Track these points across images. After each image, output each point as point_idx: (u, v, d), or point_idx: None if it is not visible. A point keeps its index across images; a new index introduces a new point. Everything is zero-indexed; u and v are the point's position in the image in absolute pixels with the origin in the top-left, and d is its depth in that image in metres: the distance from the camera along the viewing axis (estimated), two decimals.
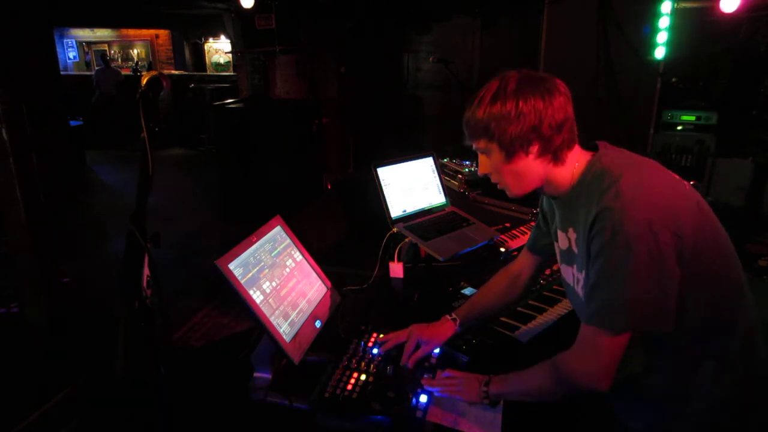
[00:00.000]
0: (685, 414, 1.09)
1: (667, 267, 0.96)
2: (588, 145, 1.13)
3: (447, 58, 3.92)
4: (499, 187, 1.18)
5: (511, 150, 1.08)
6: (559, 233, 1.20)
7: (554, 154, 1.08)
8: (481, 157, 1.16)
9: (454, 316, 1.42)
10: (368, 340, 1.42)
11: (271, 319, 1.24)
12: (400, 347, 1.37)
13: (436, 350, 1.39)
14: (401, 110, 6.83)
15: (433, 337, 1.36)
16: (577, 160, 1.10)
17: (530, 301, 1.65)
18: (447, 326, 1.40)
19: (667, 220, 0.96)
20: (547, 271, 1.79)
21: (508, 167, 1.11)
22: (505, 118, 1.05)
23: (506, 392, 1.19)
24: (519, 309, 1.60)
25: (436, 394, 1.24)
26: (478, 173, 1.20)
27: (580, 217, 1.06)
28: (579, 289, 1.13)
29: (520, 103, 1.04)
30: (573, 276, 1.15)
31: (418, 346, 1.35)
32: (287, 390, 1.25)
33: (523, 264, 1.45)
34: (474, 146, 1.16)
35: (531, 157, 1.08)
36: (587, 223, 1.02)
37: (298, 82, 5.86)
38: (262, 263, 1.32)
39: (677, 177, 1.08)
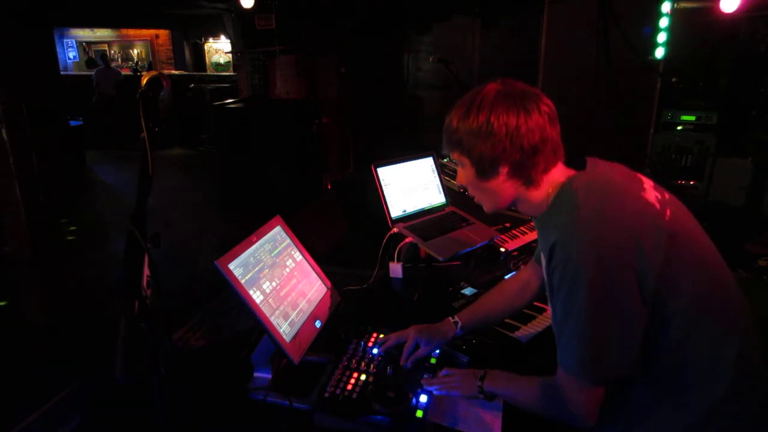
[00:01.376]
0: None
1: (628, 306, 0.90)
2: (577, 162, 1.07)
3: (447, 58, 3.92)
4: (475, 201, 1.15)
5: (480, 168, 1.04)
6: (542, 257, 1.13)
7: (527, 178, 1.03)
8: (458, 167, 1.13)
9: (456, 318, 1.41)
10: (368, 340, 1.41)
11: (271, 319, 1.24)
12: (400, 347, 1.36)
13: (436, 351, 1.39)
14: (401, 110, 6.83)
15: (433, 338, 1.36)
16: (553, 182, 1.04)
17: None
18: (448, 328, 1.39)
19: (626, 255, 0.89)
20: None
21: (479, 183, 1.08)
22: (475, 133, 1.00)
23: (497, 391, 1.17)
24: None
25: (435, 392, 1.24)
26: (456, 182, 1.17)
27: (549, 242, 0.98)
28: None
29: (492, 118, 0.98)
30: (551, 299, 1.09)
31: (417, 347, 1.35)
32: (287, 390, 1.25)
33: (531, 275, 1.41)
34: (451, 156, 1.12)
35: (501, 178, 1.04)
36: (547, 252, 0.98)
37: (298, 82, 5.86)
38: (262, 263, 1.32)
39: (654, 198, 0.99)
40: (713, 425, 0.96)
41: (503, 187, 1.05)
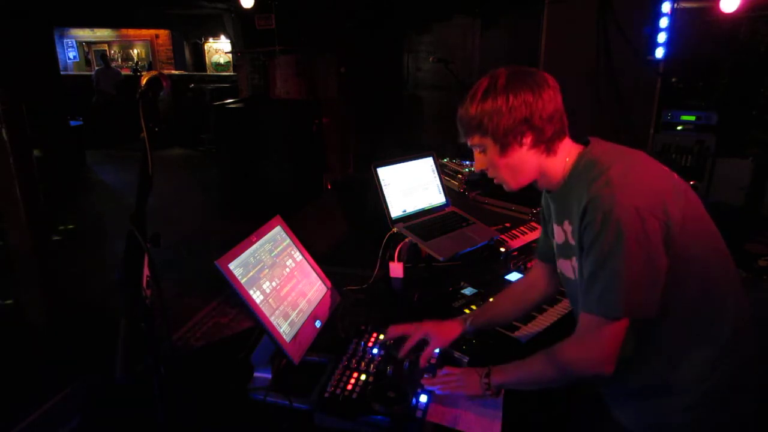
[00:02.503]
0: (667, 410, 1.11)
1: (655, 254, 0.99)
2: (580, 140, 1.16)
3: (447, 58, 3.92)
4: (495, 182, 1.21)
5: (505, 142, 1.11)
6: (555, 228, 1.21)
7: (547, 145, 1.11)
8: (477, 154, 1.19)
9: (464, 317, 1.41)
10: (368, 340, 1.41)
11: (271, 319, 1.24)
12: (400, 346, 1.36)
13: (436, 350, 1.39)
14: (401, 110, 6.83)
15: (440, 334, 1.36)
16: (568, 152, 1.13)
17: None
18: (456, 325, 1.40)
19: (654, 209, 0.99)
20: None
21: (503, 160, 1.14)
22: (497, 112, 1.08)
23: (507, 381, 1.19)
24: None
25: (437, 392, 1.24)
26: (474, 169, 1.22)
27: (573, 208, 1.08)
28: (578, 279, 1.13)
29: (511, 97, 1.07)
30: (572, 268, 1.16)
31: (424, 341, 1.34)
32: (287, 390, 1.25)
33: (537, 274, 1.44)
34: (468, 143, 1.18)
35: (524, 148, 1.12)
36: (579, 212, 1.04)
37: (298, 82, 5.86)
38: (262, 263, 1.32)
39: (666, 169, 1.11)
40: (727, 359, 1.07)
41: (526, 158, 1.13)
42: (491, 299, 1.52)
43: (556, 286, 1.43)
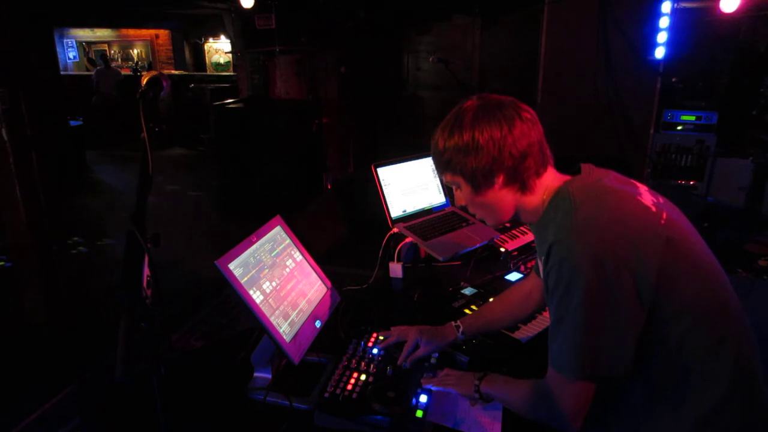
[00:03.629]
0: None
1: (622, 307, 0.90)
2: (572, 169, 1.08)
3: (447, 58, 3.92)
4: (477, 218, 1.16)
5: (476, 183, 1.05)
6: (540, 261, 1.16)
7: (521, 183, 1.04)
8: (455, 190, 1.14)
9: (458, 323, 1.41)
10: (368, 340, 1.41)
11: (271, 319, 1.24)
12: (400, 346, 1.37)
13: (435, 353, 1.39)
14: (401, 110, 6.83)
15: (433, 340, 1.36)
16: (546, 187, 1.05)
17: None
18: (449, 332, 1.39)
19: (623, 257, 0.90)
20: None
21: (477, 199, 1.09)
22: (463, 151, 1.02)
23: (492, 393, 1.18)
24: None
25: (433, 389, 1.24)
26: (455, 204, 1.18)
27: (545, 246, 0.99)
28: None
29: (476, 134, 1.00)
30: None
31: (417, 347, 1.35)
32: (287, 390, 1.25)
33: (534, 284, 1.41)
34: (444, 180, 1.13)
35: (497, 187, 1.05)
36: (544, 255, 0.98)
37: (298, 82, 5.86)
38: (262, 263, 1.32)
39: (650, 202, 1.00)
40: (711, 427, 0.96)
41: (500, 196, 1.06)
42: (486, 305, 1.50)
43: None
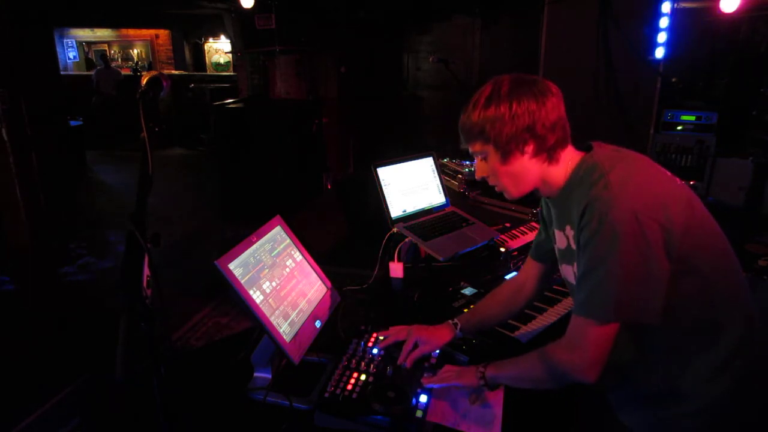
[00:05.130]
0: (677, 415, 1.09)
1: (655, 259, 0.97)
2: (582, 146, 1.15)
3: (447, 58, 3.92)
4: (497, 189, 1.19)
5: (507, 150, 1.10)
6: (557, 233, 1.21)
7: (549, 153, 1.10)
8: (478, 161, 1.18)
9: (455, 321, 1.41)
10: (368, 340, 1.42)
11: (271, 319, 1.24)
12: (400, 346, 1.37)
13: (436, 351, 1.39)
14: (401, 110, 6.83)
15: (431, 339, 1.37)
16: (569, 160, 1.12)
17: None
18: (447, 330, 1.40)
19: (654, 213, 0.97)
20: None
21: (504, 168, 1.13)
22: (500, 119, 1.07)
23: (500, 375, 1.19)
24: None
25: (435, 387, 1.24)
26: (475, 177, 1.21)
27: (573, 212, 1.07)
28: None
29: (514, 105, 1.06)
30: (573, 274, 1.15)
31: (416, 346, 1.35)
32: (287, 390, 1.25)
33: (528, 273, 1.43)
34: (470, 150, 1.17)
35: (526, 156, 1.10)
36: (578, 214, 1.04)
37: (298, 82, 5.86)
38: (262, 263, 1.32)
39: (669, 174, 1.10)
40: (737, 361, 1.06)
41: (528, 166, 1.12)
42: (480, 301, 1.50)
43: (545, 287, 1.43)
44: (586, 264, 1.02)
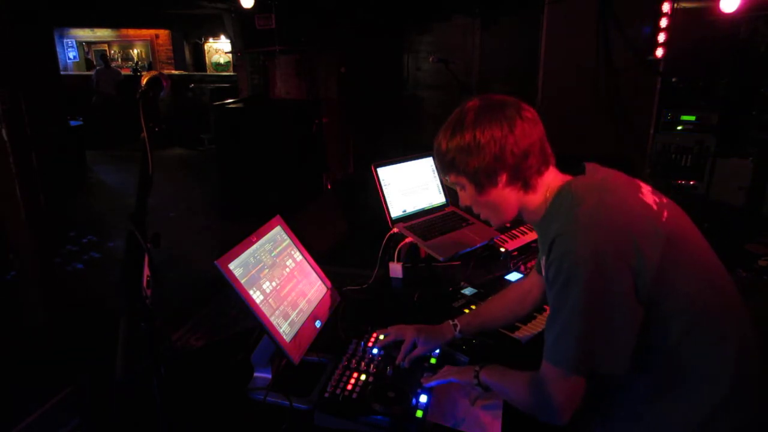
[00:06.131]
0: None
1: (622, 304, 0.91)
2: (576, 169, 1.10)
3: (447, 58, 3.92)
4: (481, 218, 1.17)
5: (479, 182, 1.07)
6: (542, 259, 1.16)
7: (524, 182, 1.06)
8: (458, 191, 1.15)
9: (455, 322, 1.40)
10: (368, 340, 1.41)
11: (271, 319, 1.24)
12: (399, 346, 1.36)
13: (436, 350, 1.39)
14: (401, 110, 6.83)
15: (429, 339, 1.36)
16: (548, 186, 1.07)
17: None
18: (446, 330, 1.39)
19: (623, 254, 0.91)
20: None
21: (481, 199, 1.10)
22: (465, 150, 1.04)
23: (490, 382, 1.17)
24: None
25: (434, 384, 1.24)
26: (460, 204, 1.19)
27: (547, 243, 1.01)
28: None
29: (477, 134, 1.02)
30: None
31: (414, 346, 1.35)
32: (287, 390, 1.25)
33: (533, 282, 1.41)
34: (448, 180, 1.14)
35: (500, 186, 1.06)
36: (546, 249, 0.99)
37: (298, 82, 5.86)
38: (262, 263, 1.32)
39: (654, 209, 1.01)
40: (712, 426, 0.96)
41: (504, 195, 1.08)
42: (484, 303, 1.49)
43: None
44: (552, 304, 0.97)
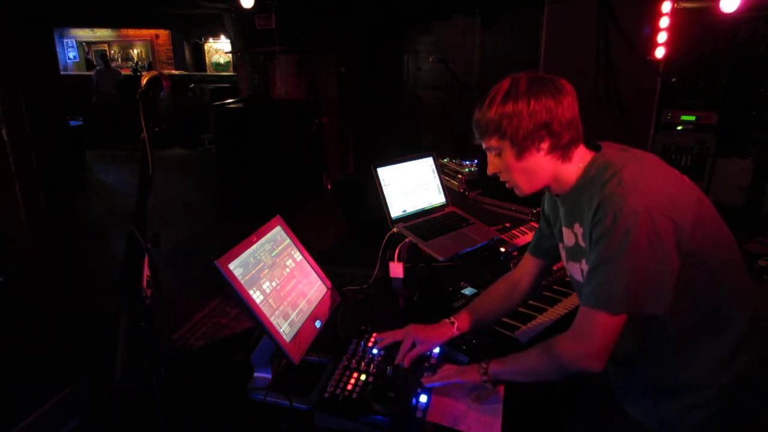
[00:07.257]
0: (684, 406, 1.11)
1: (666, 254, 1.00)
2: (592, 145, 1.17)
3: (447, 58, 3.92)
4: (507, 186, 1.21)
5: (523, 146, 1.11)
6: (565, 230, 1.22)
7: (563, 151, 1.12)
8: (490, 157, 1.19)
9: (452, 319, 1.41)
10: (368, 340, 1.41)
11: (271, 319, 1.24)
12: (399, 345, 1.36)
13: (436, 350, 1.39)
14: (401, 110, 6.83)
15: (429, 338, 1.36)
16: (581, 158, 1.14)
17: (530, 301, 1.65)
18: (444, 328, 1.40)
19: (666, 209, 1.00)
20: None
21: (519, 164, 1.14)
22: (518, 115, 1.09)
23: (504, 371, 1.20)
24: (519, 309, 1.60)
25: (437, 385, 1.24)
26: (487, 172, 1.22)
27: (584, 209, 1.10)
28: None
29: (532, 102, 1.08)
30: (581, 271, 1.17)
31: (413, 346, 1.35)
32: (287, 390, 1.25)
33: (525, 269, 1.44)
34: (484, 145, 1.18)
35: (541, 153, 1.12)
36: (591, 211, 1.05)
37: (298, 82, 5.86)
38: (262, 263, 1.32)
39: (678, 173, 1.12)
40: (743, 355, 1.08)
41: (542, 163, 1.13)
42: (476, 299, 1.51)
43: (540, 283, 1.46)
44: (598, 257, 1.03)
